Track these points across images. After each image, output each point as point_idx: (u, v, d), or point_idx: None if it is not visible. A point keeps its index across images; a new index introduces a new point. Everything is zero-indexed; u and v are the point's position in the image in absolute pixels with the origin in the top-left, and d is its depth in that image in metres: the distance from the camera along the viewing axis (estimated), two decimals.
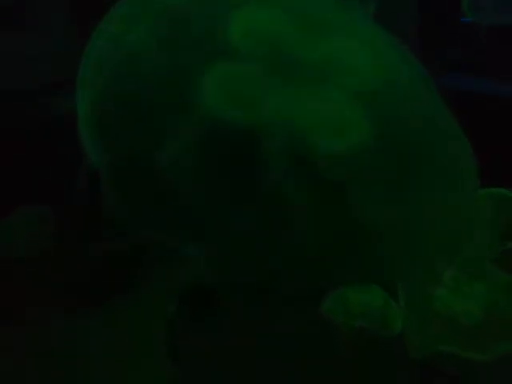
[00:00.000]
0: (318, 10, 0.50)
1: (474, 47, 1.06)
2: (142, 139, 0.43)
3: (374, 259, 0.45)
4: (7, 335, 0.62)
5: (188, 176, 0.42)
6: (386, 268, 0.46)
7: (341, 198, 0.43)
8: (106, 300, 0.64)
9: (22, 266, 0.65)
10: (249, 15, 0.46)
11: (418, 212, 0.46)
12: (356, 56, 0.47)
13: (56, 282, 0.66)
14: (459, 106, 0.50)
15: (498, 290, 0.51)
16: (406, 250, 0.46)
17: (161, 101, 0.44)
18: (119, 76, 0.45)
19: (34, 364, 0.59)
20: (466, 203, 0.49)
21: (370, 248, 0.44)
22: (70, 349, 0.61)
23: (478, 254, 0.52)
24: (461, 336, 0.48)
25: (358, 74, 0.46)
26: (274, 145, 0.43)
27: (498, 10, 1.06)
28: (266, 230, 0.43)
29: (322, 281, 0.45)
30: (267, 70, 0.45)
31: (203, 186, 0.43)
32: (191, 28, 0.46)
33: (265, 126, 0.43)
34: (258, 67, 0.45)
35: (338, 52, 0.47)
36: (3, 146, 0.74)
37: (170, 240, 0.46)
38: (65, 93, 0.47)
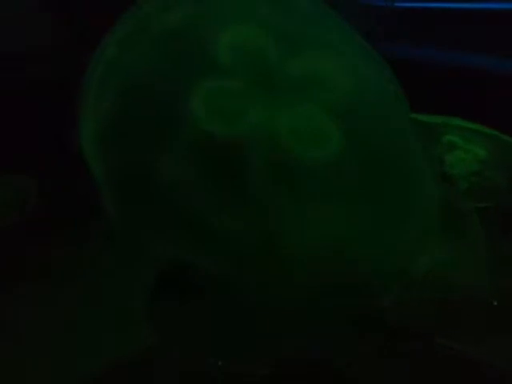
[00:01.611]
0: (298, 25, 0.51)
1: None
2: (141, 151, 0.46)
3: (349, 262, 0.47)
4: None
5: (185, 183, 0.45)
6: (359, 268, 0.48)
7: (317, 203, 0.46)
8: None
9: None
10: (234, 35, 0.48)
11: (385, 217, 0.49)
12: (332, 70, 0.49)
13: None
14: None
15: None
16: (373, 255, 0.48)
17: (157, 116, 0.46)
18: (119, 96, 0.48)
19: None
20: (427, 207, 0.51)
21: (343, 252, 0.47)
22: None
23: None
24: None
25: (334, 88, 0.48)
26: (257, 154, 0.45)
27: None
28: (255, 233, 0.46)
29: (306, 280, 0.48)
30: (251, 86, 0.47)
31: (198, 192, 0.45)
32: (183, 49, 0.48)
33: (248, 137, 0.45)
34: (243, 83, 0.47)
35: (316, 67, 0.49)
36: None
37: (168, 245, 0.48)
38: None
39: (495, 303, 0.53)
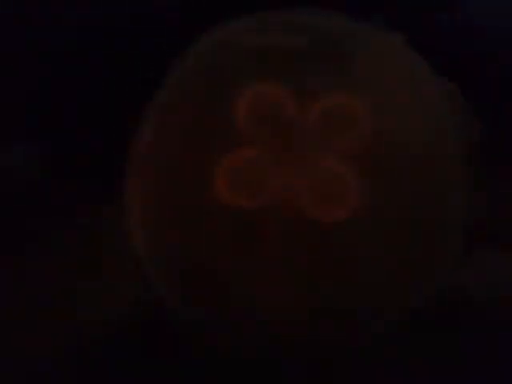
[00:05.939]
0: (318, 69, 0.49)
1: None
2: (177, 228, 0.49)
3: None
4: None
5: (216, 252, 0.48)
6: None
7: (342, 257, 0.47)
8: None
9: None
10: (250, 99, 0.48)
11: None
12: (352, 115, 0.48)
13: None
14: None
15: None
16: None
17: (187, 195, 0.48)
18: (156, 176, 0.50)
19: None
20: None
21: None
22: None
23: None
24: None
25: (353, 136, 0.47)
26: (278, 219, 0.46)
27: None
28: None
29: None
30: (269, 150, 0.47)
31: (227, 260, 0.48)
32: (203, 123, 0.49)
33: (268, 204, 0.46)
34: (261, 149, 0.47)
35: (335, 113, 0.47)
36: None
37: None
38: None
39: None
